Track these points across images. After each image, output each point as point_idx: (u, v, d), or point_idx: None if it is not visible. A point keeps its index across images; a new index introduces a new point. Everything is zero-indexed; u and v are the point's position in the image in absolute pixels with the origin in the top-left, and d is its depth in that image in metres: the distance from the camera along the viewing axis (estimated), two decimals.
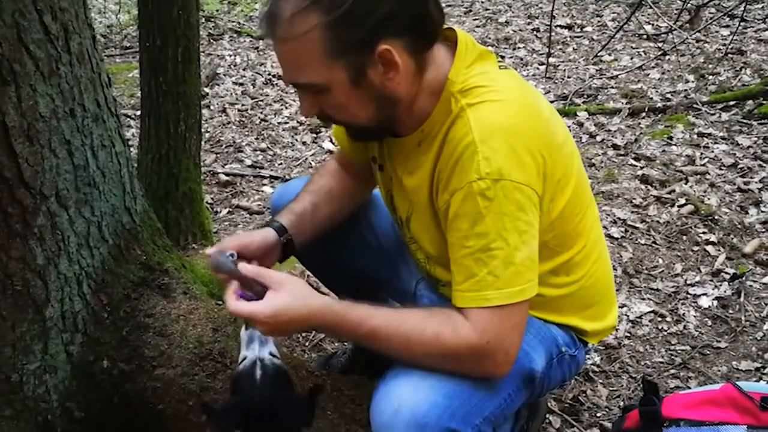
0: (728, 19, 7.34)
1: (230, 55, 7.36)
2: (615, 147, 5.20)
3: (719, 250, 3.98)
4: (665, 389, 3.05)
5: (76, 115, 2.22)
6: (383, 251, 2.59)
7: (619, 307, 3.54)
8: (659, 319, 3.53)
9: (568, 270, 2.18)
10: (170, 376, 2.47)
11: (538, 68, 6.77)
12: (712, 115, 5.52)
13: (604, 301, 2.37)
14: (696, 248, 4.02)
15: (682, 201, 4.40)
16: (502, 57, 6.98)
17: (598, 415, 2.98)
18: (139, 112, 3.77)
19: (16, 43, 1.97)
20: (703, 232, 4.13)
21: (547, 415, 2.91)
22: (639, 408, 2.51)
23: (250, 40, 7.81)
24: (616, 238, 4.13)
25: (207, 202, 4.51)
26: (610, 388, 3.12)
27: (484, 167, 1.82)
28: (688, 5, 6.59)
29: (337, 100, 1.93)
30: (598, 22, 7.82)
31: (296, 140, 5.64)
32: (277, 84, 6.63)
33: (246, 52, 7.44)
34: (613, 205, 4.43)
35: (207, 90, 6.39)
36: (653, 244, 4.08)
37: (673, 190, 4.53)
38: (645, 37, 7.27)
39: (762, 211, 4.27)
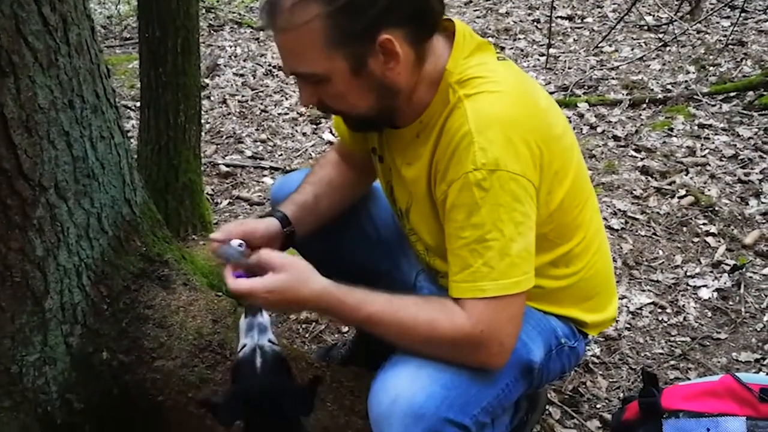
0: (729, 9, 7.32)
1: (231, 46, 7.35)
2: (615, 138, 5.19)
3: (719, 242, 3.98)
4: (665, 380, 3.06)
5: (75, 106, 2.22)
6: (383, 243, 2.59)
7: (619, 298, 3.54)
8: (659, 310, 3.53)
9: (568, 261, 2.18)
10: (170, 368, 2.47)
11: (538, 59, 6.75)
12: (713, 106, 5.52)
13: (604, 293, 2.37)
14: (696, 239, 4.02)
15: (683, 192, 4.40)
16: (503, 48, 6.97)
17: (598, 406, 2.98)
18: (139, 104, 3.76)
19: (14, 35, 1.96)
20: (704, 224, 4.13)
21: (547, 407, 2.91)
22: (638, 399, 2.51)
23: (251, 31, 7.79)
24: (617, 230, 4.12)
25: (207, 193, 4.50)
26: (610, 380, 3.12)
27: (480, 158, 1.82)
28: None
29: (337, 90, 1.92)
30: (599, 12, 7.81)
31: (296, 131, 5.63)
32: (277, 75, 6.62)
33: (246, 43, 7.43)
34: (614, 197, 4.43)
35: (207, 81, 6.38)
36: (653, 236, 4.08)
37: (674, 182, 4.53)
38: (646, 28, 7.26)
39: (762, 203, 4.27)
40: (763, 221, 4.11)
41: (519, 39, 7.27)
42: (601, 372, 3.16)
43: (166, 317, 2.53)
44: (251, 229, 2.21)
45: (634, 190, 4.50)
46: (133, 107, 5.73)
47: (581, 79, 6.22)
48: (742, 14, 6.66)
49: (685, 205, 4.28)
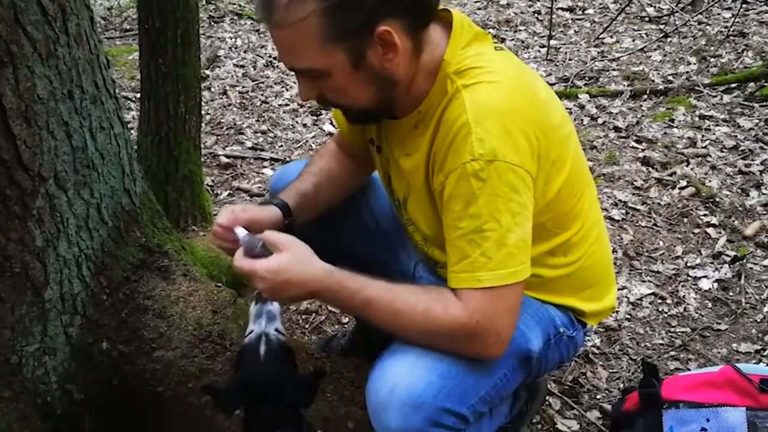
0: (730, 1, 7.30)
1: (231, 38, 7.34)
2: (616, 129, 5.19)
3: (720, 233, 3.98)
4: (665, 371, 3.06)
5: (74, 96, 2.21)
6: (381, 233, 2.59)
7: (620, 289, 3.54)
8: (659, 301, 3.53)
9: (566, 251, 2.18)
10: (169, 358, 2.47)
11: (539, 50, 6.74)
12: (714, 97, 5.51)
13: (603, 282, 2.37)
14: (697, 230, 4.02)
15: (683, 183, 4.40)
16: (503, 39, 6.96)
17: (598, 397, 2.99)
18: (139, 95, 3.76)
19: (13, 24, 1.96)
20: (704, 215, 4.12)
21: (547, 397, 2.92)
22: (639, 390, 2.51)
23: (251, 23, 7.78)
24: (617, 221, 4.12)
25: (207, 185, 4.50)
26: (610, 370, 3.12)
27: (477, 148, 1.82)
28: None
29: (337, 84, 1.92)
30: (600, 4, 7.78)
31: (297, 122, 5.63)
32: (277, 66, 6.61)
33: (247, 35, 7.42)
34: (614, 188, 4.43)
35: (208, 72, 6.38)
36: (654, 227, 4.07)
37: (675, 173, 4.53)
38: (647, 19, 7.25)
39: (763, 194, 4.27)
40: (764, 212, 4.11)
41: (520, 30, 7.26)
42: (601, 363, 3.16)
43: (165, 308, 2.53)
44: (257, 218, 2.22)
45: (635, 181, 4.49)
46: (134, 98, 5.72)
47: (582, 71, 6.21)
48: (743, 5, 6.65)
49: (686, 196, 4.28)
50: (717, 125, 5.10)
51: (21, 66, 2.00)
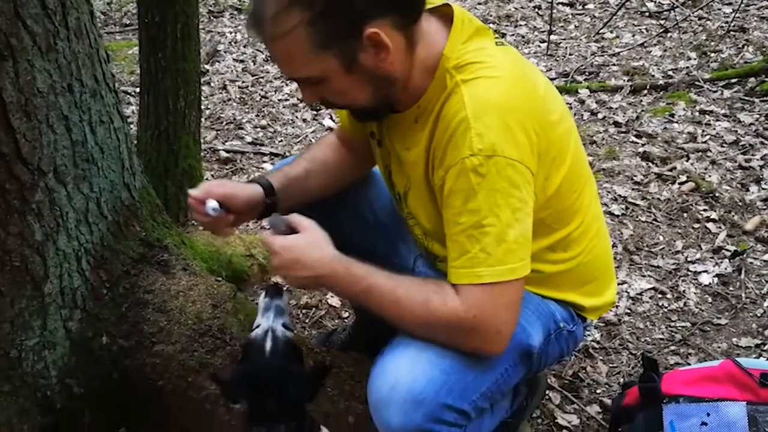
0: None
1: (231, 32, 7.33)
2: (616, 124, 5.18)
3: (720, 228, 3.98)
4: (665, 366, 3.06)
5: (74, 90, 2.21)
6: (380, 227, 2.59)
7: (620, 284, 3.54)
8: (659, 295, 3.53)
9: (566, 246, 2.18)
10: (169, 353, 2.47)
11: (539, 46, 6.73)
12: (714, 92, 5.50)
13: (603, 278, 2.37)
14: (697, 225, 4.02)
15: (683, 178, 4.40)
16: (504, 35, 6.95)
17: (598, 391, 2.98)
18: (138, 90, 3.76)
19: (13, 18, 1.96)
20: (704, 210, 4.12)
21: (547, 392, 2.92)
22: (639, 384, 2.51)
23: None
24: (617, 215, 4.12)
25: (207, 179, 4.49)
26: (610, 365, 3.12)
27: (476, 143, 1.81)
28: None
29: (335, 88, 1.94)
30: None
31: (296, 117, 5.62)
32: None
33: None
34: (614, 183, 4.43)
35: (207, 67, 6.37)
36: (654, 222, 4.07)
37: (674, 168, 4.52)
38: (647, 14, 7.23)
39: (763, 189, 4.26)
40: (764, 207, 4.11)
41: (520, 25, 7.25)
42: (601, 357, 3.16)
43: (165, 302, 2.53)
44: (231, 192, 2.25)
45: (635, 176, 4.49)
46: (133, 93, 5.72)
47: (582, 66, 6.20)
48: (744, 0, 6.64)
49: (686, 191, 4.28)
50: (717, 120, 5.09)
51: (21, 59, 2.00)
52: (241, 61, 6.63)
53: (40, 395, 2.33)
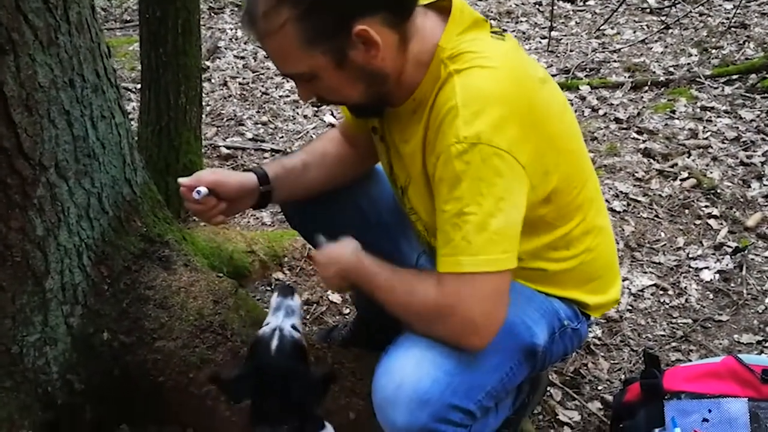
0: None
1: (231, 29, 7.32)
2: (617, 121, 5.18)
3: (721, 224, 3.97)
4: (666, 362, 3.06)
5: (75, 85, 2.21)
6: (382, 224, 2.58)
7: (621, 280, 3.53)
8: (661, 292, 3.53)
9: (568, 244, 2.16)
10: (170, 349, 2.47)
11: (540, 42, 6.73)
12: (715, 88, 5.50)
13: (607, 275, 2.36)
14: (698, 222, 4.02)
15: (685, 174, 4.39)
16: (504, 31, 6.92)
17: (600, 388, 2.98)
18: (139, 86, 3.76)
19: (14, 12, 1.95)
20: (706, 206, 4.12)
21: (549, 388, 2.91)
22: (640, 381, 2.51)
23: None
24: (619, 212, 4.12)
25: None
26: (612, 361, 3.12)
27: (462, 131, 1.80)
28: None
29: (327, 85, 1.95)
30: None
31: (297, 113, 5.62)
32: None
33: None
34: (616, 179, 4.42)
35: (208, 63, 6.37)
36: (655, 218, 4.07)
37: (676, 164, 4.52)
38: (648, 10, 7.24)
39: (764, 185, 4.26)
40: (765, 204, 4.11)
41: (521, 22, 7.26)
42: (602, 353, 3.15)
43: (166, 298, 2.53)
44: (223, 179, 2.27)
45: (636, 172, 4.49)
46: (134, 89, 5.71)
47: (583, 62, 6.20)
48: None
49: (687, 188, 4.28)
50: (718, 117, 5.09)
51: (22, 54, 1.99)
52: (242, 58, 6.62)
53: (41, 391, 2.33)
